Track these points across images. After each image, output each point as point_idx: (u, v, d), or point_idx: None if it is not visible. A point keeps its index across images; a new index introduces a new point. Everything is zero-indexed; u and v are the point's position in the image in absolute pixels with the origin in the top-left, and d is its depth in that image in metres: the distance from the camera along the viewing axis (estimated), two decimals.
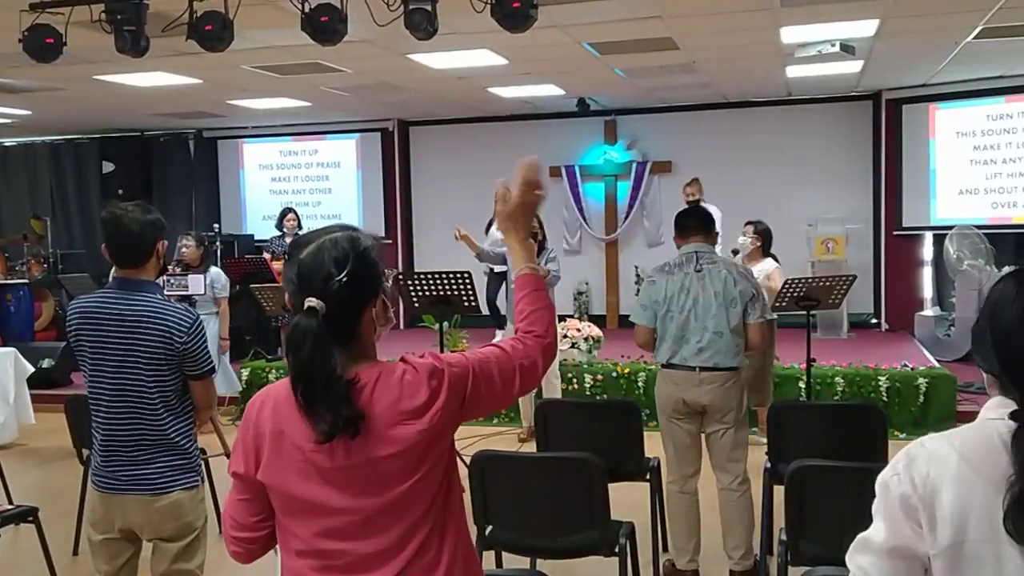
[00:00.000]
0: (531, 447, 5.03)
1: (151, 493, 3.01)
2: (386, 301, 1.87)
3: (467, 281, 6.50)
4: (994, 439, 1.47)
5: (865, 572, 1.53)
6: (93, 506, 3.12)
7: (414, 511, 1.78)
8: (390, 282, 1.97)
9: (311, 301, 1.74)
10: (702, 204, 9.55)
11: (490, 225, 9.98)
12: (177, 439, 3.04)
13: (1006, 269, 7.82)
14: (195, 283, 7.29)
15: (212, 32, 5.22)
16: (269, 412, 1.81)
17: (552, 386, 7.18)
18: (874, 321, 11.23)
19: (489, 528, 3.68)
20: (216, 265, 9.30)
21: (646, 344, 4.56)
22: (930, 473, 1.48)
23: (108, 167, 12.94)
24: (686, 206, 9.90)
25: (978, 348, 1.57)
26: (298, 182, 13.04)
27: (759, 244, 6.78)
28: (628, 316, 11.32)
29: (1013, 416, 1.46)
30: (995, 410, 1.51)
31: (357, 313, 1.81)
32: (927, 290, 11.14)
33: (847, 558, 1.57)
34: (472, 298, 6.54)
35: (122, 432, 3.02)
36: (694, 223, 4.56)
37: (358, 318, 1.81)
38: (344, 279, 1.76)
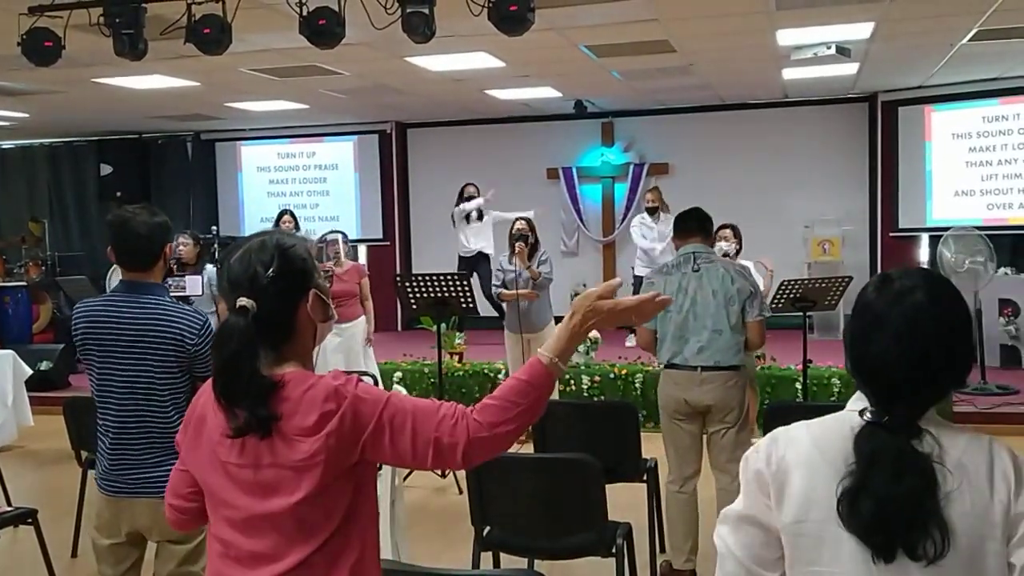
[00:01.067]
0: (529, 448, 5.04)
1: (161, 496, 2.99)
2: (321, 297, 1.89)
3: (464, 282, 6.52)
4: (845, 430, 1.56)
5: (723, 539, 1.66)
6: (99, 511, 3.11)
7: (299, 528, 1.77)
8: (329, 281, 2.01)
9: (242, 300, 1.78)
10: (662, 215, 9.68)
11: (461, 196, 10.19)
12: None
13: (1001, 270, 7.80)
14: (193, 284, 7.28)
15: (210, 35, 5.23)
16: (206, 397, 1.88)
17: None
18: None
19: (487, 529, 3.70)
20: (209, 262, 9.32)
21: (648, 345, 4.58)
22: (785, 454, 1.59)
23: (106, 169, 12.95)
24: (684, 208, 9.97)
25: (845, 346, 1.66)
26: (296, 184, 13.05)
27: (737, 247, 6.78)
28: None
29: (862, 413, 1.56)
30: (854, 402, 1.61)
31: (290, 310, 1.84)
32: None
33: (714, 533, 1.69)
34: (470, 299, 6.55)
35: (132, 435, 3.02)
36: (692, 224, 4.59)
37: (292, 315, 1.84)
38: (271, 275, 1.81)
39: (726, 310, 4.38)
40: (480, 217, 10.16)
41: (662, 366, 4.56)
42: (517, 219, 7.08)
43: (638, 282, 8.59)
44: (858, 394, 1.61)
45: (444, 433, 1.74)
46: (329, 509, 1.77)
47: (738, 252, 6.86)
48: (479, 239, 10.24)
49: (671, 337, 4.44)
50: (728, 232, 6.85)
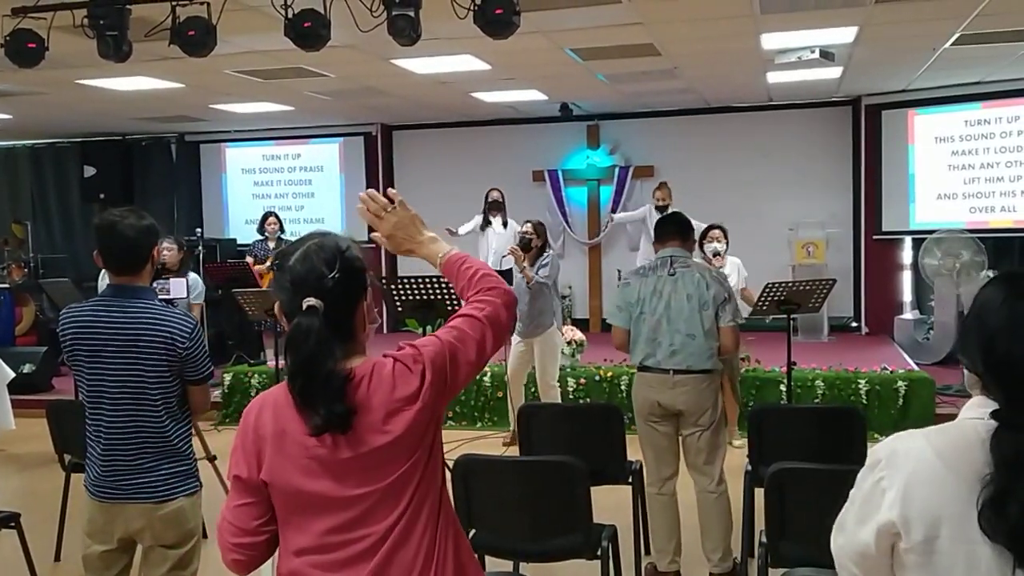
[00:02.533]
0: (516, 451, 5.05)
1: (155, 501, 3.01)
2: (371, 299, 1.95)
3: (450, 285, 6.52)
4: (972, 438, 1.50)
5: (839, 546, 1.61)
6: (91, 517, 3.08)
7: (407, 489, 1.85)
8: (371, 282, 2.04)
9: (310, 301, 1.82)
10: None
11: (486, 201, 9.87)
12: (179, 444, 3.05)
13: (983, 273, 7.86)
14: (177, 287, 7.24)
15: (195, 37, 5.22)
16: (270, 415, 1.87)
17: (550, 394, 7.14)
18: (854, 324, 11.32)
19: (472, 532, 3.70)
20: (198, 269, 9.29)
21: (622, 345, 4.61)
22: (907, 467, 1.52)
23: (89, 171, 12.89)
24: (659, 209, 10.11)
25: (964, 347, 1.61)
26: (280, 186, 13.02)
27: (727, 247, 7.02)
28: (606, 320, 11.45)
29: (994, 415, 1.49)
30: (975, 409, 1.55)
31: (351, 309, 1.90)
32: (906, 294, 11.23)
33: (831, 540, 1.63)
34: (455, 302, 6.56)
35: (125, 440, 3.01)
36: (671, 228, 4.62)
37: (352, 314, 1.90)
38: (336, 275, 1.85)
39: (700, 315, 4.40)
40: (504, 225, 9.73)
41: (635, 368, 4.58)
42: (525, 223, 7.12)
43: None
44: (979, 399, 1.56)
45: (485, 313, 1.97)
46: (422, 460, 1.88)
47: (725, 251, 7.01)
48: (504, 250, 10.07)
49: (644, 339, 4.47)
50: (718, 233, 6.98)
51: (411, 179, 12.61)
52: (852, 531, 1.58)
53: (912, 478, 1.51)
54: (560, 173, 12.00)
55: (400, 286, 6.50)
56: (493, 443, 7.36)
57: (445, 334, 1.93)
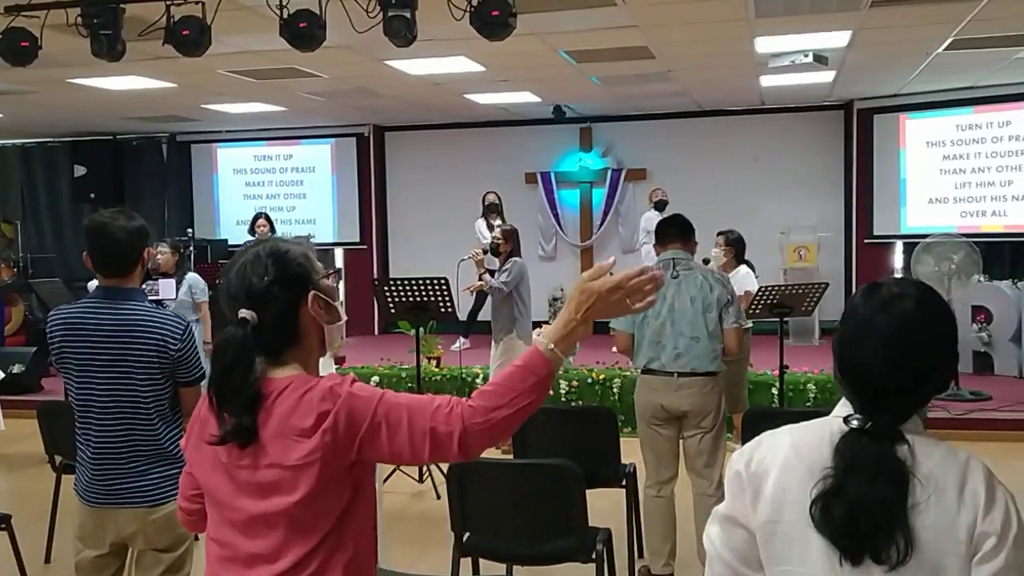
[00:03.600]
0: (509, 455, 5.04)
1: (148, 505, 2.98)
2: (322, 298, 1.89)
3: (443, 287, 6.52)
4: (825, 434, 1.60)
5: (711, 539, 1.69)
6: (82, 521, 3.05)
7: (296, 528, 1.79)
8: (331, 279, 1.98)
9: (242, 312, 1.82)
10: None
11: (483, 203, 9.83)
12: (170, 447, 3.01)
13: (975, 277, 7.83)
14: (166, 288, 7.23)
15: (189, 37, 5.20)
16: (206, 401, 1.90)
17: None
18: None
19: (467, 535, 3.69)
20: (190, 270, 9.24)
21: (625, 350, 4.60)
22: (765, 456, 1.63)
23: (80, 171, 12.83)
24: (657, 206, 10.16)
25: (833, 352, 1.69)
26: (272, 187, 12.99)
27: (732, 255, 6.86)
28: (604, 322, 11.50)
29: (846, 420, 1.58)
30: (840, 408, 1.64)
31: (291, 315, 1.86)
32: None
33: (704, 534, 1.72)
34: (448, 304, 6.56)
35: (116, 444, 2.97)
36: (672, 231, 4.61)
37: (294, 320, 1.86)
38: (266, 283, 1.83)
39: (704, 317, 4.40)
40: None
41: (639, 371, 4.57)
42: (497, 227, 7.19)
43: None
44: (844, 400, 1.64)
45: (439, 423, 1.73)
46: (327, 509, 1.79)
47: (738, 260, 6.86)
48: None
49: (648, 342, 4.46)
50: (720, 239, 6.91)
51: (403, 181, 12.62)
52: (720, 516, 1.68)
53: (768, 464, 1.61)
54: (553, 175, 12.02)
55: (392, 288, 6.50)
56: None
57: (389, 405, 1.77)
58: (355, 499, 1.82)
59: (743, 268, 6.90)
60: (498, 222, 9.49)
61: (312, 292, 1.88)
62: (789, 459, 1.59)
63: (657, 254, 4.64)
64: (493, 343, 6.95)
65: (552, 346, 1.75)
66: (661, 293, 4.43)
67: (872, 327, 1.59)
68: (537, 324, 9.22)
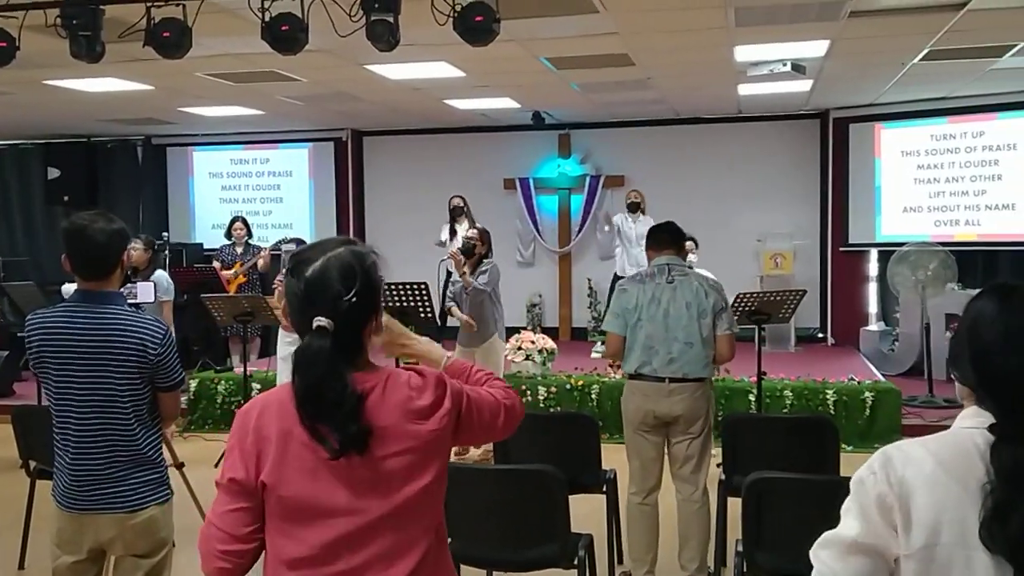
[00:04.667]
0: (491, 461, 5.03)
1: (127, 511, 2.95)
2: (384, 315, 1.93)
3: (423, 292, 6.51)
4: (968, 446, 1.52)
5: (827, 565, 1.55)
6: (60, 527, 3.01)
7: (417, 522, 1.81)
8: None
9: (320, 320, 1.76)
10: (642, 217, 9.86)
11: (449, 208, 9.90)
12: (149, 452, 2.99)
13: (948, 286, 7.92)
14: (144, 291, 7.16)
15: (170, 39, 5.16)
16: (273, 415, 1.81)
17: None
18: (821, 335, 11.43)
19: (448, 541, 3.68)
20: (161, 268, 9.19)
21: (616, 353, 4.59)
22: (906, 474, 1.52)
23: (53, 173, 12.68)
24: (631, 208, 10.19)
25: (955, 360, 1.61)
26: (249, 191, 12.92)
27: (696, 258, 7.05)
28: (581, 328, 11.48)
29: (991, 429, 1.51)
30: (971, 419, 1.56)
31: (361, 328, 1.84)
32: (872, 305, 11.37)
33: (811, 554, 1.59)
34: (429, 310, 6.55)
35: (95, 449, 2.94)
36: (666, 236, 4.62)
37: (362, 332, 1.84)
38: (353, 298, 1.78)
39: (698, 323, 4.41)
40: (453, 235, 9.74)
41: (627, 376, 4.57)
42: (470, 229, 7.15)
43: (614, 282, 8.95)
44: (973, 410, 1.57)
45: (504, 398, 2.01)
46: (439, 495, 1.88)
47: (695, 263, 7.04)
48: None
49: (640, 347, 4.45)
50: (690, 244, 7.04)
51: (381, 185, 12.59)
52: (847, 544, 1.55)
53: (913, 484, 1.51)
54: (531, 181, 12.03)
55: None
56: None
57: (470, 389, 1.96)
58: (443, 469, 1.90)
59: (704, 272, 7.09)
60: (464, 226, 9.48)
61: (379, 310, 1.88)
62: (936, 477, 1.50)
63: (650, 259, 4.64)
64: (460, 348, 6.89)
65: (447, 353, 2.15)
66: (656, 298, 4.44)
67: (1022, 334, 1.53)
68: (515, 330, 9.21)
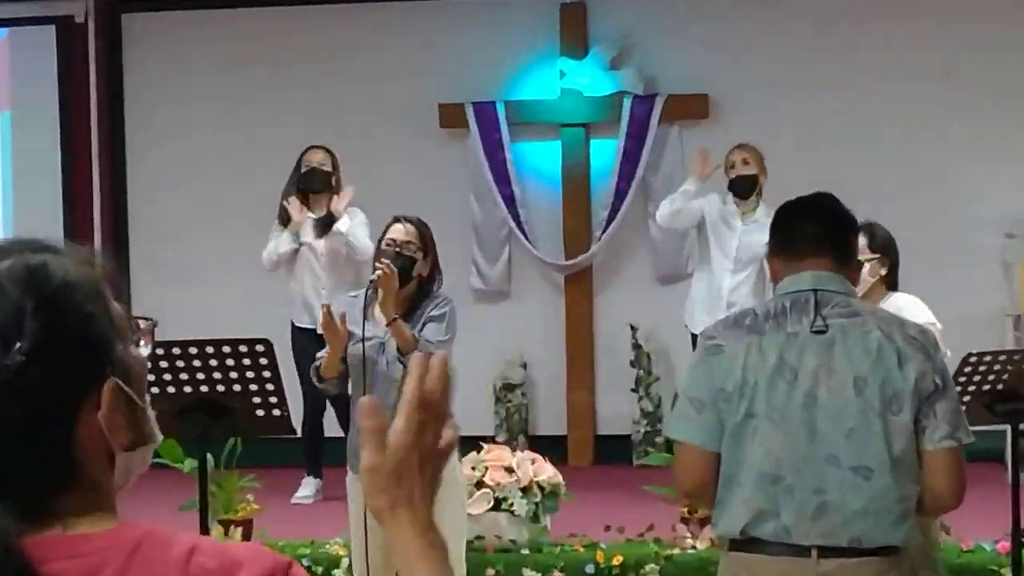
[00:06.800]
0: None
1: None
2: (125, 390, 1.89)
3: (261, 357, 6.53)
4: None
5: None
6: None
7: None
8: (141, 342, 2.02)
9: None
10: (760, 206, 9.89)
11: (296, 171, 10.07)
12: None
13: None
14: None
15: None
16: None
17: None
18: None
19: None
20: None
21: (698, 487, 4.63)
22: None
23: None
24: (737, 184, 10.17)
25: None
26: None
27: (883, 272, 6.95)
28: (616, 436, 11.50)
29: None
30: None
31: (63, 417, 1.85)
32: None
33: None
34: (271, 396, 6.57)
35: None
36: (811, 230, 4.65)
37: (69, 426, 1.86)
38: (24, 351, 1.81)
39: (883, 420, 4.43)
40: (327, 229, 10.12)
41: (726, 542, 4.62)
42: (395, 220, 7.08)
43: (692, 342, 8.93)
44: None
45: None
46: None
47: (889, 280, 6.97)
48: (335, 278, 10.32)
49: (757, 478, 4.48)
50: (864, 242, 7.02)
51: (158, 120, 12.64)
52: None
53: None
54: (502, 109, 12.14)
55: (152, 360, 6.52)
56: None
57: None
58: None
59: (903, 298, 7.01)
60: (343, 214, 9.73)
61: (111, 381, 1.88)
62: None
63: (775, 279, 4.70)
64: (352, 476, 6.85)
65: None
66: (788, 364, 4.45)
67: None
68: (469, 441, 9.36)
